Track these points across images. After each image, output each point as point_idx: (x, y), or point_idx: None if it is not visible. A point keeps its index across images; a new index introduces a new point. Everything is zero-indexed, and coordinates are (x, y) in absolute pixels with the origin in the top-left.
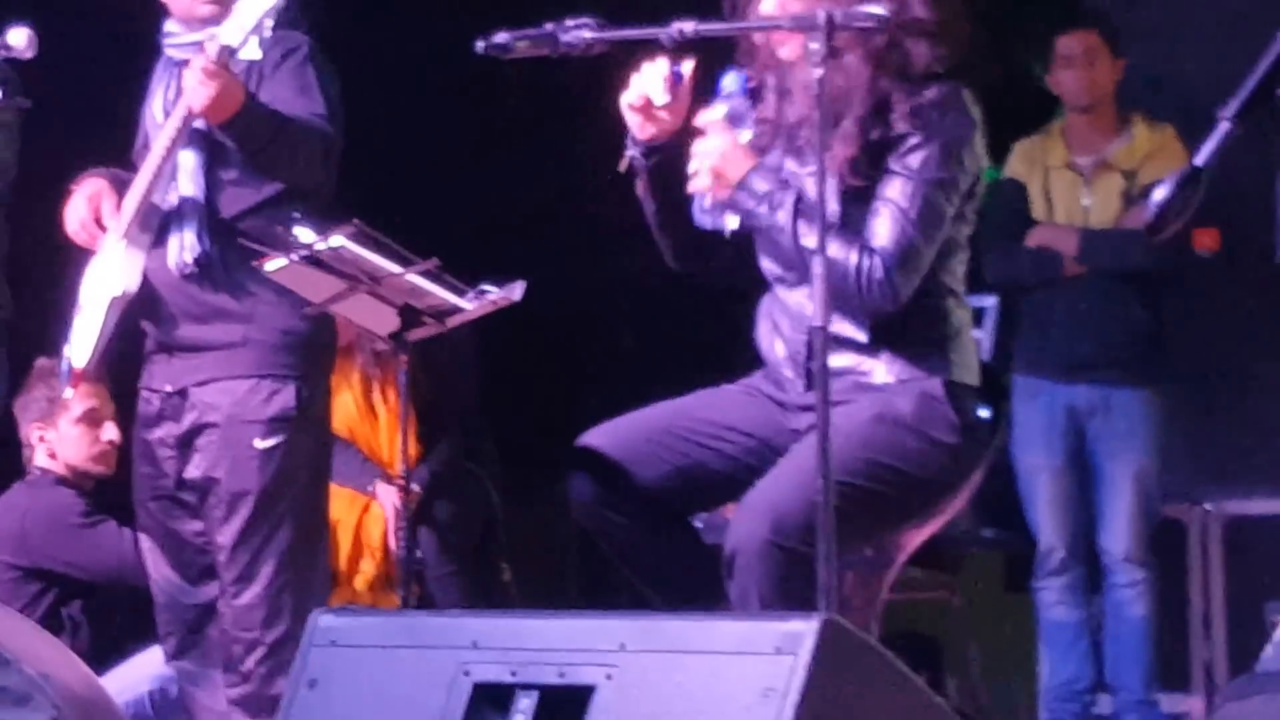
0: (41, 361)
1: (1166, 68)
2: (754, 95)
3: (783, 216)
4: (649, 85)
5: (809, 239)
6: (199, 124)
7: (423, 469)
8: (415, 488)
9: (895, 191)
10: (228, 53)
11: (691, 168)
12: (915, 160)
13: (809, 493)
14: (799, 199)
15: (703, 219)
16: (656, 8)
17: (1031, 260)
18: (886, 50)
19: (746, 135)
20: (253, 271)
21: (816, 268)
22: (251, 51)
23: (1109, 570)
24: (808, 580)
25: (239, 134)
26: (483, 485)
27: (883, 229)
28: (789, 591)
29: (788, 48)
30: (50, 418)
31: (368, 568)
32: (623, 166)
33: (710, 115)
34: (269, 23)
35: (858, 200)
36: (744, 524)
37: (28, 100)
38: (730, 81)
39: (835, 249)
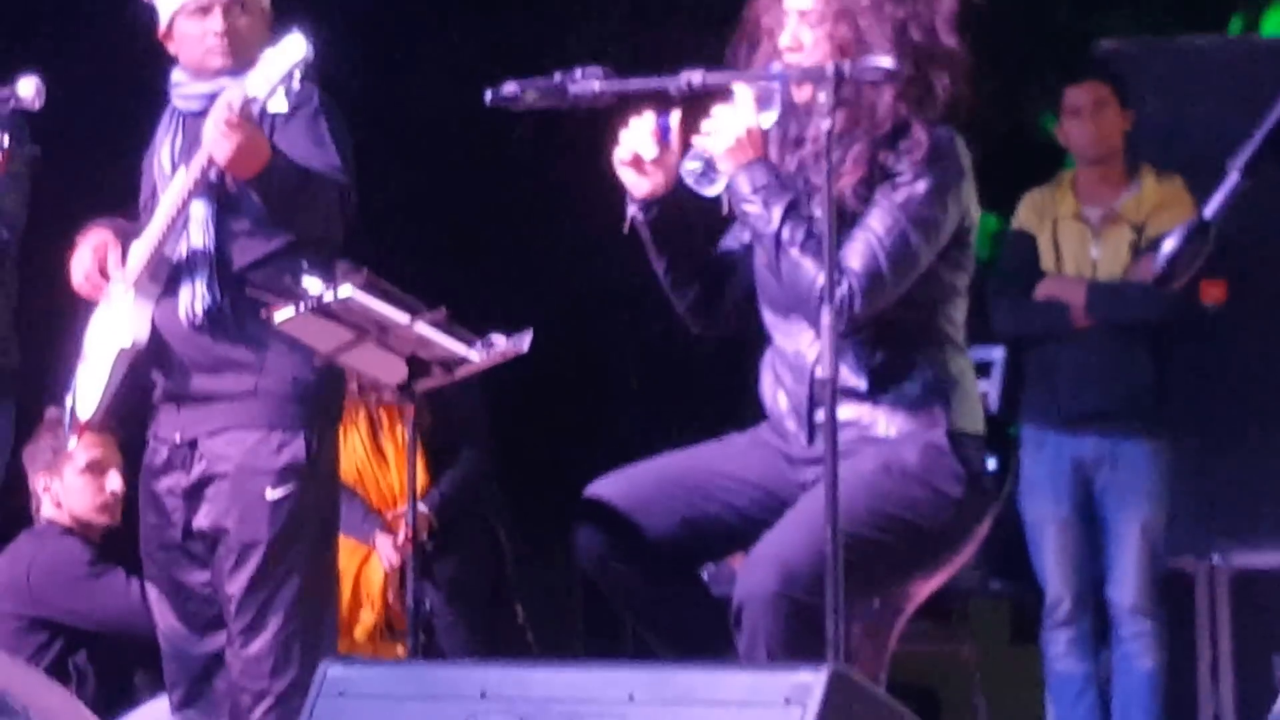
0: (52, 411)
1: (1176, 119)
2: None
3: (776, 214)
4: (637, 141)
5: (793, 249)
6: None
7: (434, 492)
8: (424, 508)
9: (876, 221)
10: (252, 104)
11: (705, 126)
12: (901, 195)
13: (817, 544)
14: (793, 204)
15: (685, 177)
16: (669, 60)
17: (1040, 312)
18: (911, 79)
19: (771, 118)
20: (263, 322)
21: (824, 318)
22: (279, 104)
23: (1116, 622)
24: (816, 632)
25: (265, 189)
26: (492, 531)
27: (856, 254)
28: (797, 643)
29: (801, 92)
30: (55, 468)
31: (367, 617)
32: (627, 228)
33: (742, 89)
34: (298, 74)
35: (849, 226)
36: (752, 575)
37: (37, 149)
38: (776, 66)
39: (809, 262)
